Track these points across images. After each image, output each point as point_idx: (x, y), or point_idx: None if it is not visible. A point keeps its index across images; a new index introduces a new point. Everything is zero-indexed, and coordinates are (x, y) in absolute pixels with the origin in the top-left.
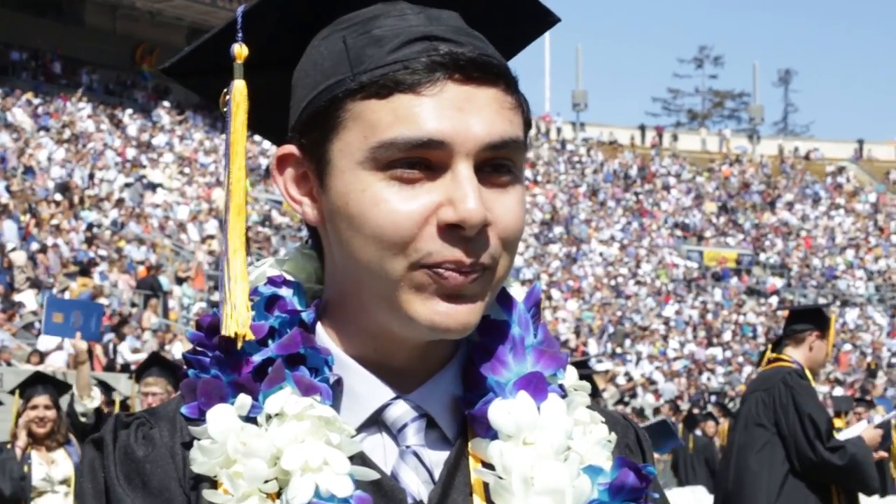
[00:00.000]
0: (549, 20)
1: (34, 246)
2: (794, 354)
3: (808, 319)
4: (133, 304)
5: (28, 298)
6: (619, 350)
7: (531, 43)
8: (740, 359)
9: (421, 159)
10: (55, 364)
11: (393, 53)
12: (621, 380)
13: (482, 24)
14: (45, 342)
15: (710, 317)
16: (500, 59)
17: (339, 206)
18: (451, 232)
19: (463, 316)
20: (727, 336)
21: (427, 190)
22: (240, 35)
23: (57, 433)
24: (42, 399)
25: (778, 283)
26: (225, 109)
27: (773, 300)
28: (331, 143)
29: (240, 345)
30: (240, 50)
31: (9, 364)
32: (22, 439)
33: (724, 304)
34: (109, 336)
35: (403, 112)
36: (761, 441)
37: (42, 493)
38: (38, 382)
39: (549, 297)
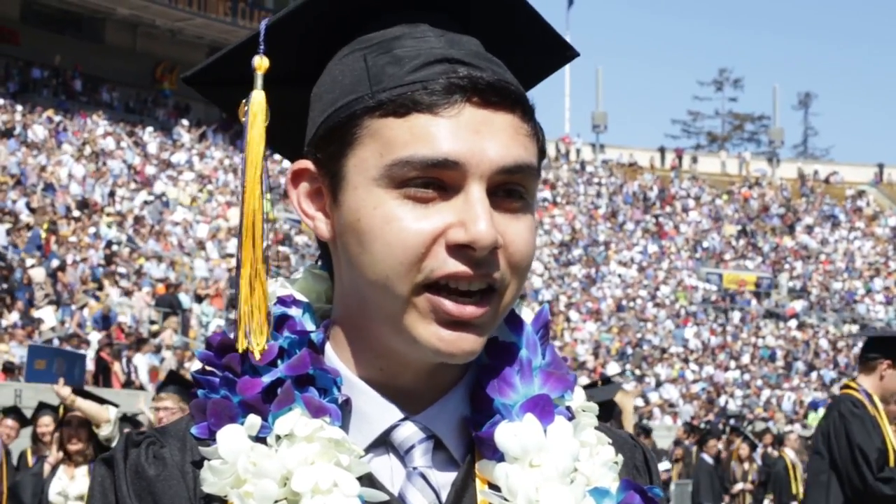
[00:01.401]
0: (567, 54)
1: (54, 263)
2: (865, 382)
3: (881, 347)
4: (152, 322)
5: (47, 315)
6: (637, 372)
7: (548, 76)
8: (759, 382)
9: (435, 179)
10: (62, 390)
11: (412, 74)
12: (639, 402)
13: (501, 54)
14: None
15: (728, 339)
16: (518, 86)
17: (351, 222)
18: (460, 252)
19: (467, 344)
20: (746, 359)
21: (439, 210)
22: (262, 47)
23: (87, 450)
24: (75, 415)
25: (797, 306)
26: (244, 120)
27: (793, 323)
28: (346, 158)
29: (257, 356)
30: (260, 61)
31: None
32: (52, 455)
33: (743, 327)
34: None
35: (420, 131)
36: (818, 470)
37: None
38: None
39: (568, 319)
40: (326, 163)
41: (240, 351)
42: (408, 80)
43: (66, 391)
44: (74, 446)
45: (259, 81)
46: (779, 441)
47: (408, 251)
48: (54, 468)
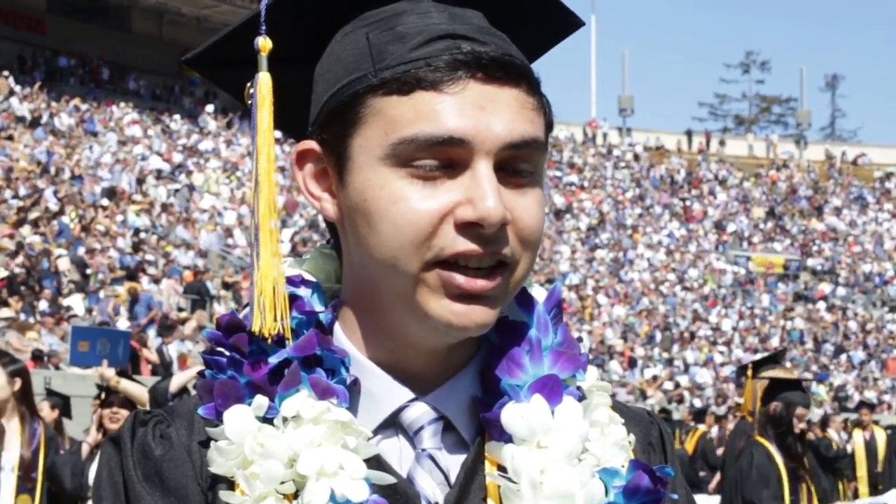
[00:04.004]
0: (572, 22)
1: (81, 251)
2: None
3: None
4: (180, 309)
5: (76, 303)
6: (665, 355)
7: (555, 45)
8: (787, 364)
9: (441, 157)
10: (106, 372)
11: (416, 51)
12: (668, 385)
13: (505, 25)
14: None
15: (757, 322)
16: (522, 60)
17: (358, 202)
18: (469, 230)
19: (479, 316)
20: (775, 342)
21: (446, 189)
22: (263, 28)
23: None
24: (117, 397)
25: (826, 288)
26: (250, 102)
27: (821, 305)
28: (351, 138)
29: (269, 339)
30: (264, 42)
31: (57, 368)
32: (91, 435)
33: (771, 309)
34: (157, 340)
35: (425, 109)
36: None
37: None
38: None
39: (598, 305)
40: (331, 143)
41: (255, 331)
42: (411, 57)
43: (110, 372)
44: (116, 425)
45: (264, 63)
46: (823, 423)
47: (415, 231)
48: (93, 450)
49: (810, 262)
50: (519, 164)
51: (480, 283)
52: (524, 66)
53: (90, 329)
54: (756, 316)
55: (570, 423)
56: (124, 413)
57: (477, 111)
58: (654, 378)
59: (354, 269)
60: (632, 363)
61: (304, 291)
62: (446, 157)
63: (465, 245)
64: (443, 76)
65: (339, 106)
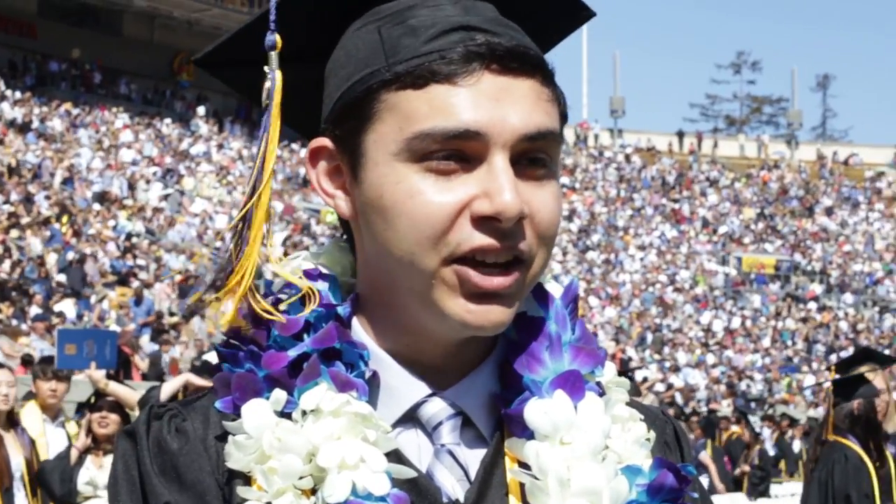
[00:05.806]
0: (583, 14)
1: (72, 255)
2: None
3: None
4: (172, 314)
5: (67, 308)
6: (657, 357)
7: (565, 38)
8: (779, 365)
9: (456, 151)
10: (95, 374)
11: (429, 43)
12: (660, 387)
13: (516, 17)
14: None
15: (748, 323)
16: (536, 51)
17: (373, 198)
18: (486, 224)
19: (495, 316)
20: (766, 342)
21: (462, 182)
22: (273, 25)
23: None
24: (106, 402)
25: (817, 289)
26: (266, 101)
27: (813, 306)
28: (365, 134)
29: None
30: (275, 41)
31: None
32: (80, 440)
33: (762, 310)
34: (154, 347)
35: (440, 103)
36: None
37: (87, 497)
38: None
39: (590, 307)
40: (345, 139)
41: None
42: (424, 50)
43: (98, 374)
44: (105, 430)
45: (275, 61)
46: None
47: (432, 225)
48: (82, 455)
49: (801, 262)
50: (535, 156)
51: (497, 281)
52: (539, 57)
53: (76, 331)
54: (747, 317)
55: (593, 419)
56: (114, 417)
57: (492, 103)
58: (645, 380)
59: (370, 266)
60: (623, 365)
61: (321, 285)
62: (462, 150)
63: (481, 240)
64: (457, 69)
65: (353, 102)
